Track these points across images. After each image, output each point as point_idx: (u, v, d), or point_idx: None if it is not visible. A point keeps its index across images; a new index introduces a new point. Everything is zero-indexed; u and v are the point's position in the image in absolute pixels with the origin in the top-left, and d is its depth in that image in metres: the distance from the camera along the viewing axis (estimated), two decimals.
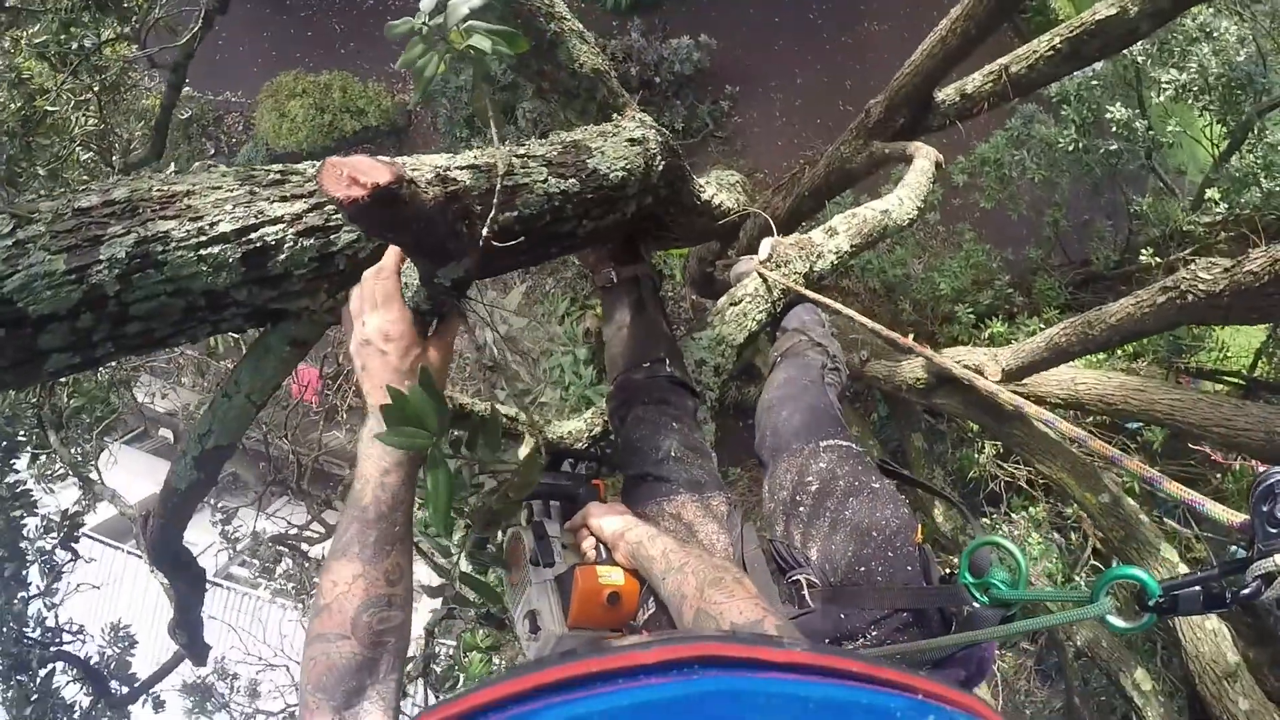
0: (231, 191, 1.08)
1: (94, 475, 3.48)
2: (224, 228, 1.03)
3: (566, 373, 5.08)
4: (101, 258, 0.96)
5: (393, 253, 1.01)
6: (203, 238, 1.02)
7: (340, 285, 1.14)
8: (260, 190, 1.10)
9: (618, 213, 1.66)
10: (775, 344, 2.35)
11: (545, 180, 1.42)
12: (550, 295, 7.27)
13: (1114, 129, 5.33)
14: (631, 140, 1.75)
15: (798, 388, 1.96)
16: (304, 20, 10.90)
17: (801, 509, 1.48)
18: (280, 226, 1.07)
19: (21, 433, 3.24)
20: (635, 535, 1.21)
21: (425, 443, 0.90)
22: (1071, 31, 3.44)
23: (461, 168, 1.30)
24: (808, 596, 1.31)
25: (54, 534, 3.39)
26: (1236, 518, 0.82)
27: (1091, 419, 4.97)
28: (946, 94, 4.13)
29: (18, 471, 3.25)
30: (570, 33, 1.99)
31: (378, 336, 0.95)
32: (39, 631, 3.24)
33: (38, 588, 3.33)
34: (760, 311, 2.38)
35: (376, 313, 0.96)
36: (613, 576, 1.19)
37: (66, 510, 3.31)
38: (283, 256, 1.07)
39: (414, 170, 1.02)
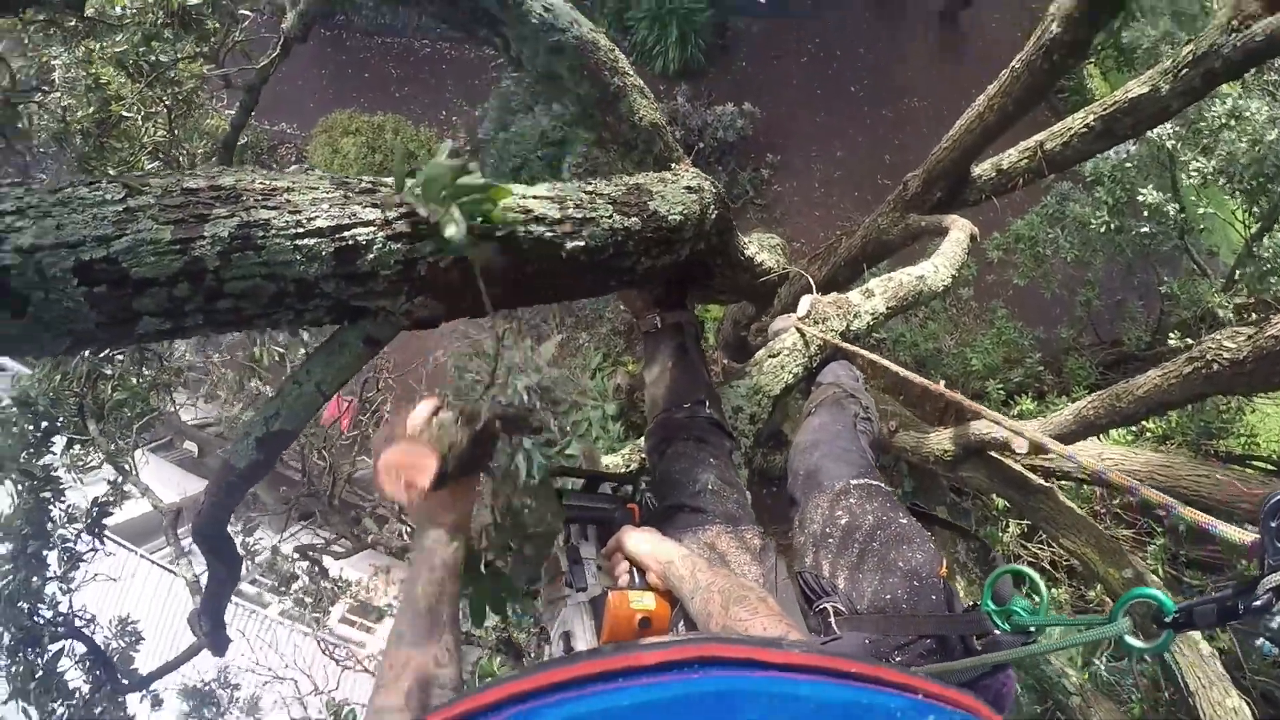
0: (328, 193, 1.16)
1: (129, 467, 3.54)
2: (320, 223, 1.11)
3: (594, 427, 5.11)
4: (205, 234, 1.03)
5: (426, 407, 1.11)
6: (300, 229, 1.09)
7: (420, 289, 1.21)
8: (353, 195, 1.18)
9: (673, 254, 1.73)
10: (810, 396, 2.41)
11: (610, 216, 1.51)
12: (584, 349, 7.36)
13: (1145, 212, 5.38)
14: (689, 188, 1.84)
15: (831, 432, 2.02)
16: (362, 61, 11.36)
17: (831, 540, 1.53)
18: (371, 229, 1.14)
19: (61, 417, 3.32)
20: (666, 555, 1.23)
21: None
22: (1105, 109, 3.52)
23: (537, 196, 1.40)
24: (833, 624, 1.34)
25: (78, 523, 3.45)
26: (1248, 537, 0.84)
27: (1117, 500, 4.94)
28: (983, 169, 4.21)
29: (54, 454, 3.32)
30: (632, 88, 2.11)
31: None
32: (51, 613, 3.26)
33: (55, 573, 3.37)
34: (797, 365, 2.44)
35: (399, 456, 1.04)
36: (644, 601, 1.21)
37: (96, 498, 3.36)
38: (371, 256, 1.14)
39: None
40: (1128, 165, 5.68)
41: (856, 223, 5.41)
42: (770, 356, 2.44)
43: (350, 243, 1.12)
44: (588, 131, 2.11)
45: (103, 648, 3.43)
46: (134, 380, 3.52)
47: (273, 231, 1.07)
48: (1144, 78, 3.34)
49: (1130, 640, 0.90)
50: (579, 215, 1.43)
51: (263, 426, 1.28)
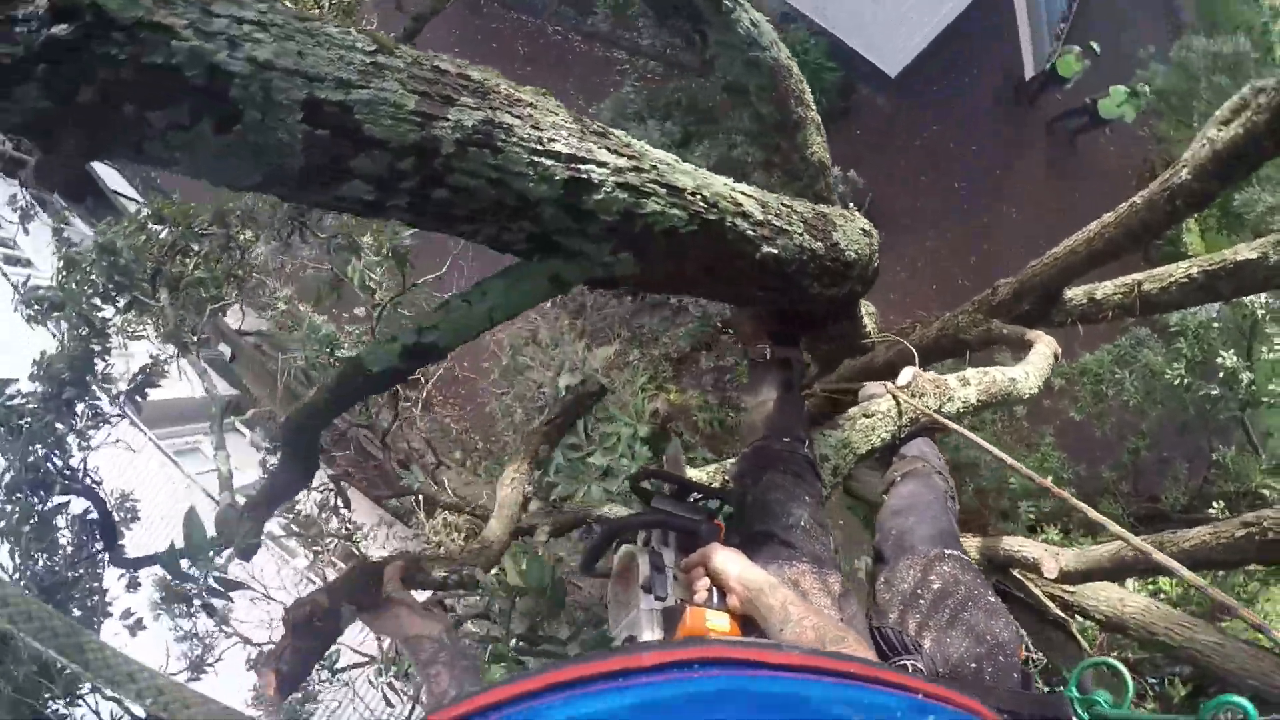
0: (566, 122, 1.13)
1: (190, 346, 3.50)
2: (558, 148, 1.07)
3: (622, 443, 5.06)
4: (449, 118, 0.98)
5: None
6: (539, 147, 1.05)
7: (627, 245, 1.17)
8: (588, 134, 1.15)
9: (839, 288, 1.71)
10: (893, 466, 2.39)
11: (802, 234, 1.51)
12: (633, 366, 7.32)
13: (1220, 374, 5.35)
14: (864, 230, 1.85)
15: (924, 501, 2.05)
16: (493, 31, 11.41)
17: (922, 602, 1.56)
18: (605, 170, 1.11)
19: (136, 276, 3.28)
20: (755, 582, 1.19)
21: None
22: (1211, 264, 3.50)
23: (745, 193, 1.38)
24: None
25: (115, 384, 3.38)
26: None
27: (1119, 653, 4.85)
28: (1075, 294, 4.18)
29: (118, 308, 3.28)
30: (811, 121, 2.09)
31: None
32: (63, 464, 3.20)
33: (77, 426, 3.30)
34: (886, 430, 2.43)
35: None
36: (719, 622, 1.17)
37: (145, 365, 3.31)
38: (598, 196, 1.10)
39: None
40: (1214, 324, 5.65)
41: (932, 314, 5.39)
42: (865, 416, 2.42)
43: (583, 177, 1.09)
44: (760, 151, 2.11)
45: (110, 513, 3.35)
46: (216, 263, 3.48)
47: (514, 139, 1.03)
48: (1257, 244, 3.31)
49: None
50: (777, 224, 1.42)
51: (414, 336, 1.21)
